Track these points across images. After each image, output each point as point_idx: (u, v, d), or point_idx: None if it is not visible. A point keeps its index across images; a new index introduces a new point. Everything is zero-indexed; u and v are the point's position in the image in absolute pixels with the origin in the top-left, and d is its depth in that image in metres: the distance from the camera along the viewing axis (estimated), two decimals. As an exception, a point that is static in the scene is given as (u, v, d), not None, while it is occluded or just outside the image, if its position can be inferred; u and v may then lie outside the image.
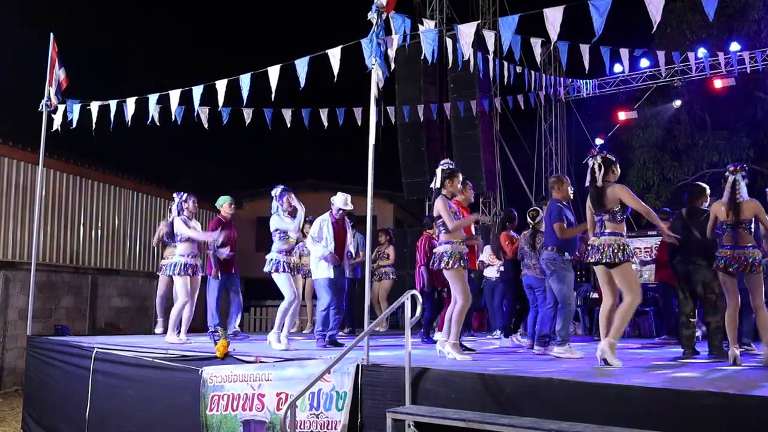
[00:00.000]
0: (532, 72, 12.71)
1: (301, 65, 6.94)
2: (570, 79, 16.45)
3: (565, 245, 6.30)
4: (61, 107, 8.73)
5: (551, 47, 14.03)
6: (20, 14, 19.87)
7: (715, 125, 17.38)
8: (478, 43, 7.61)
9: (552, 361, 5.86)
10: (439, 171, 6.09)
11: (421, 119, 13.52)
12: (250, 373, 5.72)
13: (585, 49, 8.40)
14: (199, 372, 5.98)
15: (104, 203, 13.40)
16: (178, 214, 7.78)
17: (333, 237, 7.48)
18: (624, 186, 5.48)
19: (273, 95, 7.41)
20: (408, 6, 14.02)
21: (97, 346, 7.18)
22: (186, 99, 8.21)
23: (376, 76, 5.77)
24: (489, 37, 7.29)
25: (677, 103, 16.91)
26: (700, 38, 16.09)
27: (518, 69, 11.53)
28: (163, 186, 14.32)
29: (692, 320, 6.54)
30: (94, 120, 8.70)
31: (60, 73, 8.77)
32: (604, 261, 5.32)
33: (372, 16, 5.83)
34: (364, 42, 5.91)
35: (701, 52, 14.08)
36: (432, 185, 6.17)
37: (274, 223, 6.95)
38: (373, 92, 5.75)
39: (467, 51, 6.56)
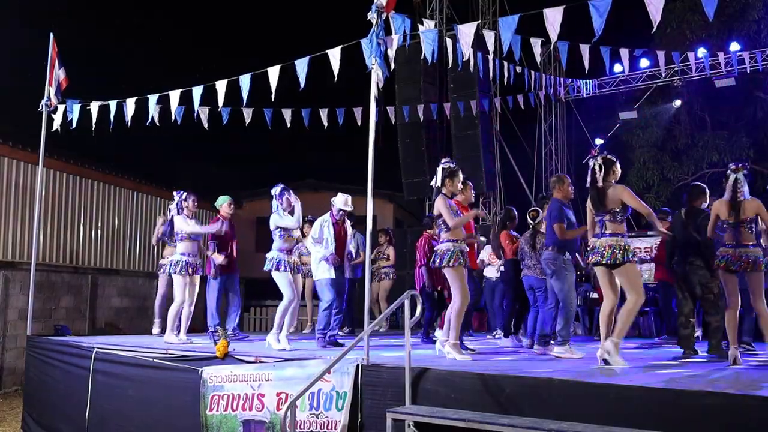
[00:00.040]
0: (532, 72, 12.73)
1: (301, 65, 6.94)
2: (570, 79, 16.46)
3: (565, 245, 6.30)
4: (61, 107, 8.73)
5: (551, 47, 14.03)
6: (20, 14, 19.87)
7: (715, 125, 17.39)
8: (478, 43, 7.60)
9: (552, 361, 5.86)
10: (439, 169, 6.08)
11: (421, 119, 13.52)
12: (250, 373, 5.72)
13: (585, 49, 8.40)
14: (199, 372, 5.98)
15: (104, 203, 13.40)
16: (178, 213, 7.79)
17: (333, 238, 7.49)
18: (626, 186, 5.47)
19: (273, 95, 7.41)
20: (408, 6, 14.04)
21: (97, 346, 7.18)
22: (186, 99, 8.21)
23: (376, 76, 5.77)
24: (489, 37, 7.28)
25: (677, 103, 16.92)
26: (700, 38, 16.09)
27: (518, 69, 11.54)
28: (163, 186, 14.32)
29: (691, 320, 6.54)
30: (94, 120, 8.69)
31: (60, 73, 8.77)
32: (604, 262, 5.31)
33: (372, 16, 5.83)
34: (364, 42, 5.91)
35: (701, 52, 14.08)
36: (432, 183, 6.17)
37: (274, 221, 6.95)
38: (373, 92, 5.75)
39: (467, 51, 6.56)
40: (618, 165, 5.51)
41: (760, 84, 15.83)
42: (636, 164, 17.53)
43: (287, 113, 10.72)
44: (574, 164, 16.37)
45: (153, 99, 8.26)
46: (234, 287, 8.71)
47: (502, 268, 8.41)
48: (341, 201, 7.65)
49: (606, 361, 5.33)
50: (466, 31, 6.60)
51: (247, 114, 10.01)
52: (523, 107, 14.39)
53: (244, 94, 7.64)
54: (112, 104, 8.56)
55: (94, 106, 8.66)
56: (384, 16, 5.87)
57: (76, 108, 8.69)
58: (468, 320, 7.04)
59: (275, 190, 6.99)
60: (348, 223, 7.96)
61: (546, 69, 15.69)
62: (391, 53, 6.28)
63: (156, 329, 8.95)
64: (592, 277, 9.54)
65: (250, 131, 10.57)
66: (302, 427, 5.20)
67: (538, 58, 7.74)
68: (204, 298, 8.73)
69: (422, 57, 7.01)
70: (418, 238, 8.37)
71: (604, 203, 5.37)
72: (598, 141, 15.87)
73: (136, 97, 8.43)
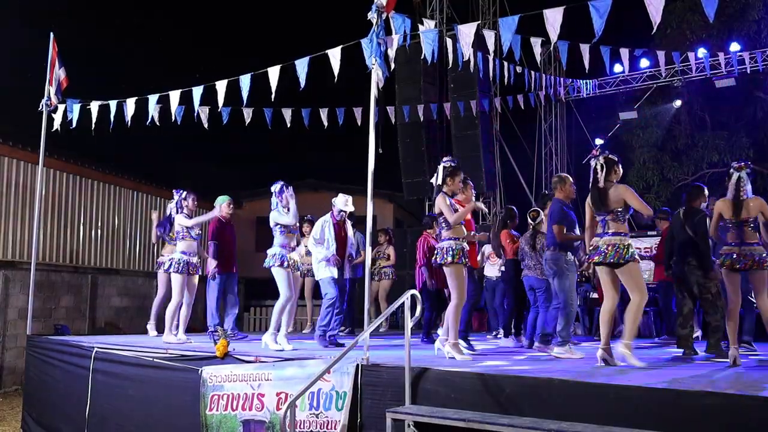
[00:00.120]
0: (532, 72, 12.73)
1: (301, 65, 6.94)
2: (570, 79, 16.46)
3: (567, 245, 6.30)
4: (61, 107, 8.74)
5: (551, 47, 14.03)
6: (20, 14, 19.87)
7: (715, 125, 17.39)
8: (478, 43, 7.61)
9: (552, 361, 5.86)
10: (440, 168, 6.06)
11: (421, 119, 13.52)
12: (249, 372, 5.72)
13: (585, 49, 8.40)
14: (199, 372, 5.98)
15: (104, 203, 13.40)
16: (178, 212, 7.79)
17: (334, 238, 7.49)
18: (628, 186, 5.46)
19: (273, 95, 7.41)
20: (408, 6, 14.04)
21: (97, 345, 7.18)
22: (186, 99, 8.21)
23: (376, 76, 5.77)
24: (489, 37, 7.29)
25: (677, 103, 16.91)
26: (700, 38, 16.10)
27: (518, 69, 11.54)
28: (163, 186, 14.32)
29: (690, 320, 6.55)
30: (94, 120, 8.70)
31: (60, 73, 8.78)
32: (607, 261, 5.31)
33: (372, 16, 5.83)
34: (364, 42, 5.91)
35: (701, 52, 14.08)
36: (433, 181, 6.16)
37: (274, 218, 6.94)
38: (373, 92, 5.75)
39: (467, 51, 6.56)
40: (620, 165, 5.50)
41: (760, 84, 15.82)
42: (636, 164, 17.53)
43: (287, 113, 10.72)
44: (574, 164, 16.37)
45: (153, 99, 8.27)
46: (232, 287, 8.71)
47: (503, 268, 8.41)
48: (342, 201, 7.66)
49: (606, 361, 5.33)
50: (466, 31, 6.60)
51: (247, 114, 10.01)
52: (523, 107, 14.40)
53: (244, 94, 7.65)
54: (112, 104, 8.56)
55: (94, 106, 8.66)
56: (384, 16, 5.87)
57: (76, 108, 8.69)
58: (469, 320, 7.03)
59: (275, 188, 6.98)
60: (348, 224, 7.96)
61: (546, 69, 15.69)
62: (391, 53, 6.28)
63: (153, 331, 8.80)
64: (593, 277, 9.55)
65: (250, 131, 10.58)
66: (302, 426, 5.20)
67: (538, 58, 7.75)
68: (204, 298, 8.73)
69: (422, 57, 7.01)
70: (418, 237, 8.37)
71: (605, 203, 5.36)
72: (598, 141, 15.87)
73: (136, 97, 8.44)
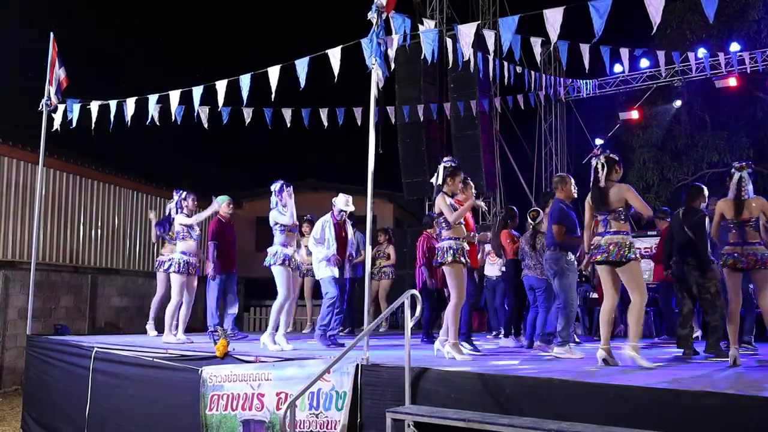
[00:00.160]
0: (532, 72, 12.71)
1: (301, 65, 6.93)
2: (570, 79, 16.45)
3: (568, 245, 6.30)
4: (61, 107, 8.73)
5: (551, 47, 14.03)
6: (20, 14, 19.87)
7: (715, 125, 17.38)
8: (478, 43, 7.60)
9: (552, 361, 5.86)
10: (441, 168, 6.07)
11: (421, 119, 13.51)
12: (249, 372, 5.72)
13: (585, 49, 8.39)
14: (199, 372, 5.98)
15: (104, 203, 13.40)
16: (177, 212, 7.78)
17: (335, 238, 7.49)
18: (630, 186, 5.46)
19: (273, 95, 7.40)
20: (408, 6, 14.03)
21: (97, 345, 7.18)
22: (186, 99, 8.21)
23: (376, 76, 5.77)
24: (489, 37, 7.28)
25: (677, 103, 16.91)
26: (700, 38, 16.09)
27: (518, 69, 11.53)
28: (163, 186, 14.32)
29: (690, 320, 6.55)
30: (94, 120, 8.69)
31: (60, 73, 8.78)
32: (610, 259, 5.30)
33: (372, 16, 5.82)
34: (364, 42, 5.91)
35: (701, 52, 14.08)
36: (433, 181, 6.16)
37: (273, 217, 6.94)
38: (373, 92, 5.75)
39: (467, 51, 6.55)
40: (621, 164, 5.49)
41: (760, 84, 15.81)
42: (636, 164, 17.53)
43: (287, 113, 10.71)
44: (574, 164, 16.37)
45: (153, 99, 8.26)
46: (232, 287, 8.71)
47: (503, 269, 8.41)
48: (342, 201, 7.66)
49: (606, 361, 5.33)
50: (466, 31, 6.59)
51: (247, 114, 10.01)
52: (523, 107, 14.38)
53: (244, 94, 7.64)
54: (112, 104, 8.56)
55: (94, 106, 8.66)
56: (384, 16, 5.87)
57: (76, 108, 8.69)
58: (470, 321, 7.02)
59: (275, 186, 6.97)
60: (348, 223, 7.96)
61: (546, 69, 15.68)
62: (391, 53, 6.28)
63: (152, 331, 8.75)
64: (592, 277, 9.55)
65: (250, 131, 10.57)
66: (302, 426, 5.20)
67: (538, 58, 7.74)
68: (204, 298, 8.73)
69: (422, 57, 7.00)
70: (418, 237, 8.37)
71: (606, 202, 5.36)
72: (598, 141, 15.87)
73: (136, 97, 8.43)
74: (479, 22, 8.30)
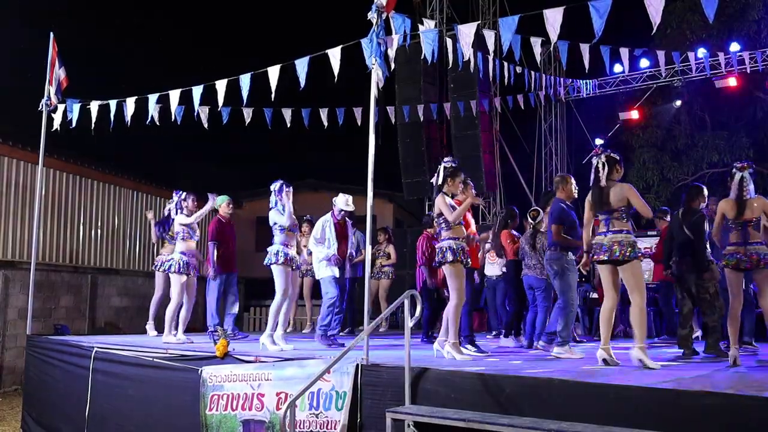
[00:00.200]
0: (532, 72, 12.72)
1: (301, 65, 6.93)
2: (570, 79, 16.45)
3: (568, 245, 6.29)
4: (61, 107, 8.73)
5: (551, 47, 14.02)
6: (20, 14, 19.87)
7: (715, 125, 17.37)
8: (478, 43, 7.60)
9: (552, 361, 5.86)
10: (441, 168, 6.06)
11: (421, 119, 13.51)
12: (249, 372, 5.72)
13: (585, 49, 8.39)
14: (199, 372, 5.98)
15: (104, 203, 13.40)
16: (177, 213, 7.78)
17: (335, 237, 7.49)
18: (632, 186, 5.45)
19: (273, 95, 7.40)
20: (408, 6, 14.03)
21: (97, 345, 7.18)
22: (186, 99, 8.20)
23: (376, 76, 5.77)
24: (489, 37, 7.28)
25: (677, 103, 16.91)
26: (700, 38, 16.07)
27: (518, 69, 11.53)
28: (163, 186, 14.33)
29: (690, 320, 6.55)
30: (94, 119, 8.69)
31: (60, 73, 8.77)
32: (612, 258, 5.30)
33: (372, 16, 5.82)
34: (364, 42, 5.91)
35: (701, 52, 14.07)
36: (433, 181, 6.16)
37: (272, 216, 6.95)
38: (373, 92, 5.75)
39: (467, 51, 6.55)
40: (621, 163, 5.48)
41: (760, 84, 15.81)
42: (636, 164, 17.51)
43: (287, 113, 10.71)
44: (574, 164, 16.36)
45: (153, 99, 8.26)
46: (232, 287, 8.71)
47: (504, 269, 8.41)
48: (342, 201, 7.66)
49: (606, 361, 5.33)
50: (466, 31, 6.59)
51: (247, 114, 10.00)
52: (523, 107, 14.38)
53: (244, 93, 7.64)
54: (112, 104, 8.56)
55: (94, 106, 8.65)
56: (384, 16, 5.87)
57: (76, 107, 8.69)
58: (471, 322, 7.02)
59: (275, 186, 6.97)
60: (348, 223, 7.96)
61: (546, 69, 15.68)
62: (391, 53, 6.28)
63: (152, 331, 8.74)
64: (592, 277, 9.55)
65: (250, 131, 10.57)
66: (302, 426, 5.20)
67: (538, 58, 7.74)
68: (204, 298, 8.73)
69: (422, 57, 7.00)
70: (418, 237, 8.37)
71: (607, 202, 5.34)
72: (598, 141, 15.87)
73: (136, 97, 8.43)
74: (479, 22, 8.30)
